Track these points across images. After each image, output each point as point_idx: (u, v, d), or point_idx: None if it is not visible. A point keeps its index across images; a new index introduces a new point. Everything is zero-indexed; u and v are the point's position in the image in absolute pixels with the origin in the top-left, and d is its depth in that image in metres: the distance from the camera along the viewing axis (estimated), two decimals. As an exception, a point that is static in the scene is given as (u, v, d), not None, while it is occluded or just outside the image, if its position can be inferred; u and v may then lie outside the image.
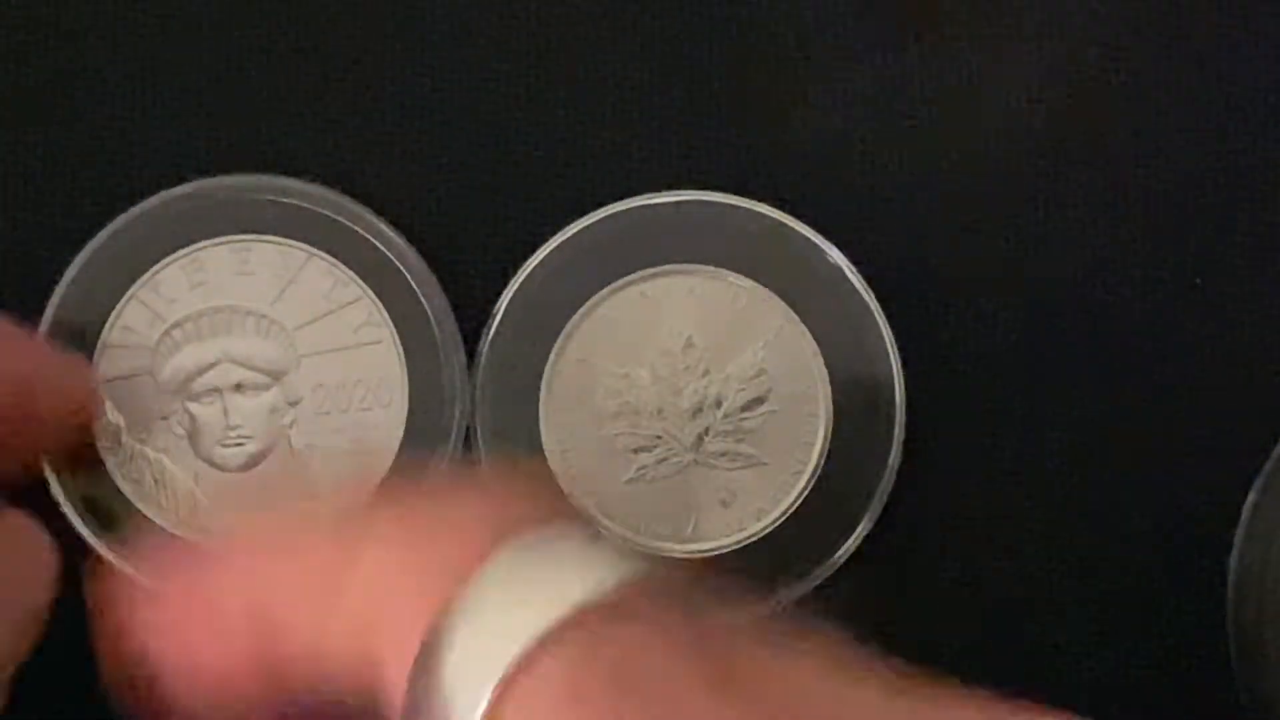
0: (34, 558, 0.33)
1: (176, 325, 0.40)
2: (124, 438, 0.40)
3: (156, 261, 0.40)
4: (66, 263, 0.40)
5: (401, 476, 0.39)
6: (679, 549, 0.40)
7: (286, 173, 0.40)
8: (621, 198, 0.40)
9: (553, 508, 0.30)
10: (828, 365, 0.40)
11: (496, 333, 0.40)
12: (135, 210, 0.40)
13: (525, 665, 0.27)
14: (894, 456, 0.40)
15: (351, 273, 0.40)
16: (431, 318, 0.40)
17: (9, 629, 0.32)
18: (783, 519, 0.40)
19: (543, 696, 0.27)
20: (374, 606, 0.29)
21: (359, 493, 0.34)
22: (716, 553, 0.40)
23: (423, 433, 0.40)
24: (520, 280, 0.40)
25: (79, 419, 0.37)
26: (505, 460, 0.31)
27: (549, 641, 0.27)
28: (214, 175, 0.40)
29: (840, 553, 0.40)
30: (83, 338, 0.40)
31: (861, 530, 0.40)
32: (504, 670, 0.27)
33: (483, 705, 0.27)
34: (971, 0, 0.41)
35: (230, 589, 0.30)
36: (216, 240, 0.40)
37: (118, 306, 0.40)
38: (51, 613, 0.33)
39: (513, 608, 0.28)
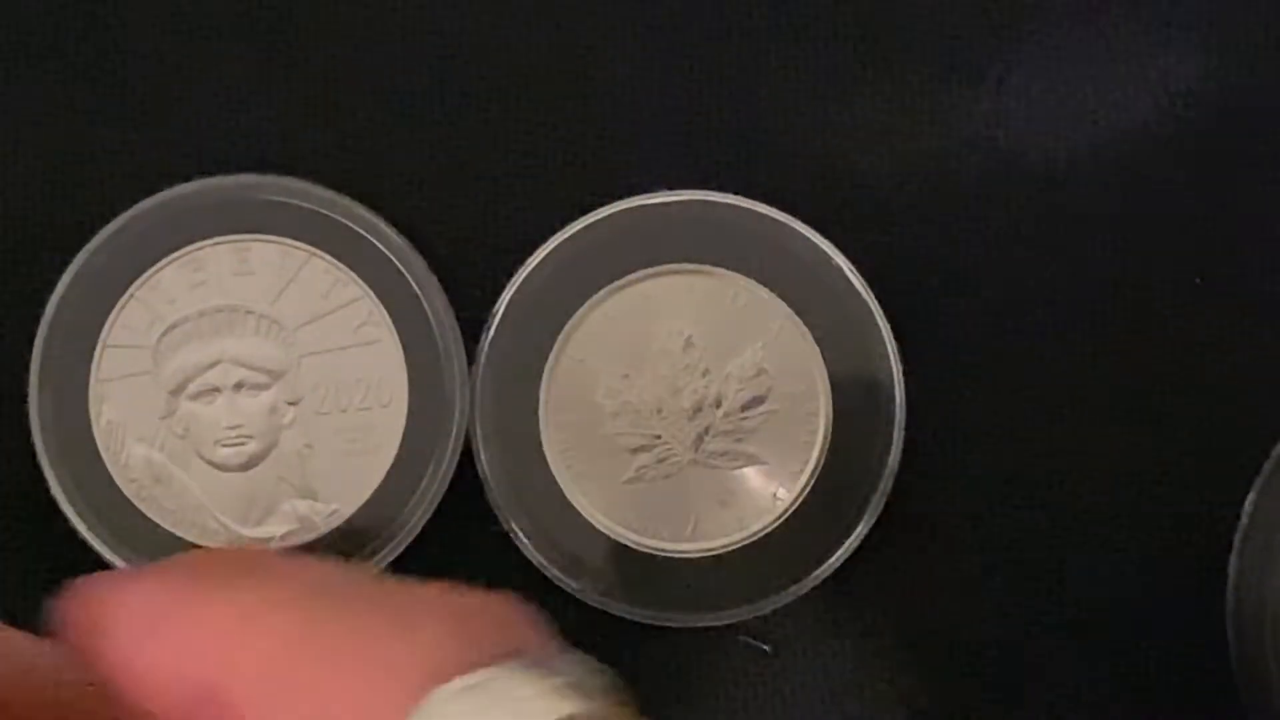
0: None
1: (176, 325, 0.40)
2: (124, 438, 0.40)
3: (156, 261, 0.40)
4: (66, 263, 0.40)
5: (398, 480, 0.39)
6: (679, 549, 0.40)
7: (286, 173, 0.40)
8: (621, 198, 0.40)
9: (504, 641, 0.28)
10: (828, 365, 0.40)
11: (496, 333, 0.40)
12: (135, 210, 0.40)
13: None
14: (894, 456, 0.40)
15: (351, 273, 0.40)
16: (431, 318, 0.40)
17: None
18: (783, 519, 0.40)
19: None
20: (322, 711, 0.27)
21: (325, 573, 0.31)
22: (716, 553, 0.40)
23: (423, 433, 0.40)
24: (520, 280, 0.40)
25: None
26: (463, 587, 0.30)
27: None
28: (214, 175, 0.40)
29: (840, 553, 0.40)
30: (82, 338, 0.40)
31: (861, 530, 0.40)
32: None
33: None
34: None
35: (183, 657, 0.28)
36: (216, 240, 0.40)
37: (118, 306, 0.40)
38: None
39: None
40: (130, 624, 0.28)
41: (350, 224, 0.40)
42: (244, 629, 0.28)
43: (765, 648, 0.40)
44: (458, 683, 0.27)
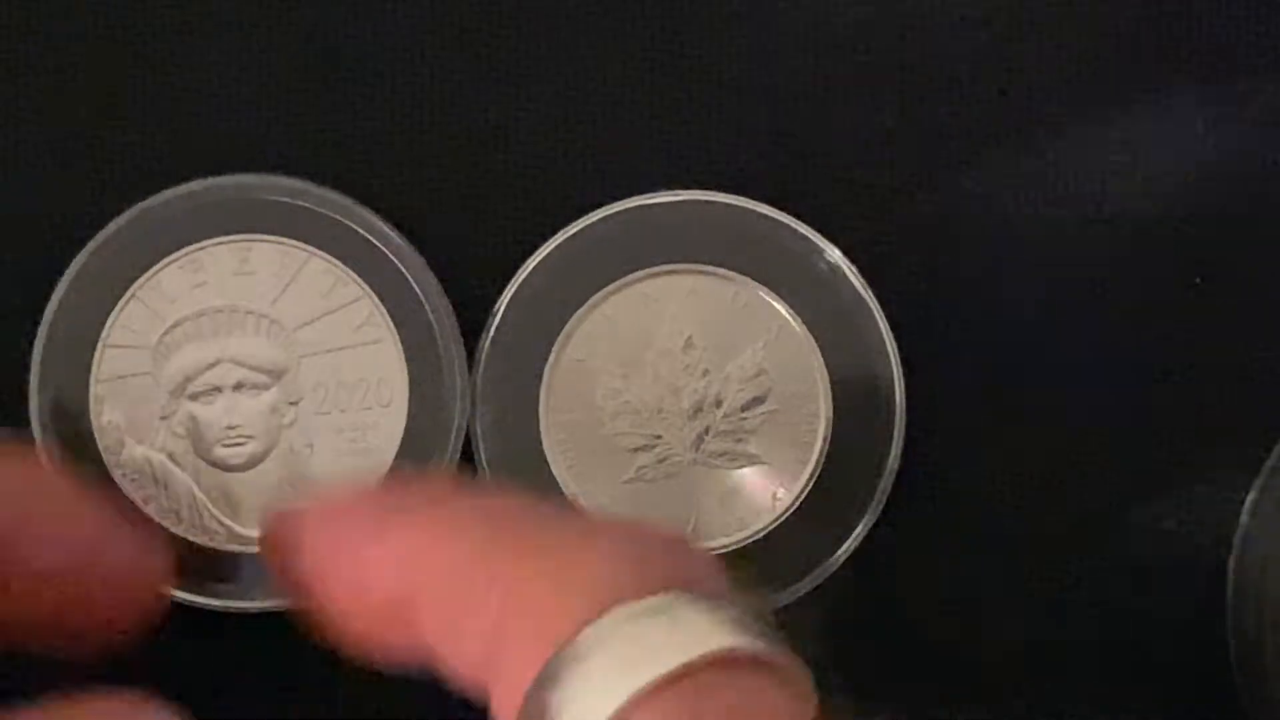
0: None
1: (176, 325, 0.40)
2: (124, 438, 0.40)
3: (156, 261, 0.40)
4: (66, 263, 0.40)
5: (402, 476, 0.39)
6: (679, 549, 0.40)
7: (286, 173, 0.40)
8: (621, 198, 0.40)
9: (679, 571, 0.29)
10: (828, 365, 0.40)
11: (496, 333, 0.40)
12: (135, 210, 0.40)
13: (633, 709, 0.27)
14: (894, 456, 0.40)
15: (351, 273, 0.40)
16: (431, 318, 0.40)
17: None
18: (783, 519, 0.40)
19: None
20: (503, 625, 0.29)
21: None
22: (716, 553, 0.40)
23: (423, 433, 0.40)
24: (520, 280, 0.40)
25: (147, 599, 0.33)
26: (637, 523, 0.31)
27: (663, 686, 0.27)
28: (214, 175, 0.40)
29: (840, 553, 0.40)
30: (83, 338, 0.40)
31: (861, 530, 0.40)
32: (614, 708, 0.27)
33: None
34: None
35: (379, 566, 0.30)
36: (216, 240, 0.40)
37: (118, 306, 0.40)
38: None
39: (628, 659, 0.27)
40: (329, 543, 0.31)
41: (350, 224, 0.40)
42: (433, 545, 0.29)
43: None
44: (636, 604, 0.27)
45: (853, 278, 0.40)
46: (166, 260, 0.40)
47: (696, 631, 0.27)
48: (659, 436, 0.40)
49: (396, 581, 0.30)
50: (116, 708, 0.29)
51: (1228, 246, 0.41)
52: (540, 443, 0.40)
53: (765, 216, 0.40)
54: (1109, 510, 0.40)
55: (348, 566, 0.30)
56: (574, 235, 0.40)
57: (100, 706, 0.29)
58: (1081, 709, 0.40)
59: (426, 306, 0.40)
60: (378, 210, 0.40)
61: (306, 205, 0.40)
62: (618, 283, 0.40)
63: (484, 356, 0.40)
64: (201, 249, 0.40)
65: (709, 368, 0.40)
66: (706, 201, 0.40)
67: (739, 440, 0.40)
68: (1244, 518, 0.40)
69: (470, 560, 0.29)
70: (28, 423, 0.39)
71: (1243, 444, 0.40)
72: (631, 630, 0.27)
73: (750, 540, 0.40)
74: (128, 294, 0.40)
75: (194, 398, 0.40)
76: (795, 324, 0.40)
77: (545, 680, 0.27)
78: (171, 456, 0.40)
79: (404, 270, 0.40)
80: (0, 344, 0.40)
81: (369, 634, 0.31)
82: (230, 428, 0.40)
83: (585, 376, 0.40)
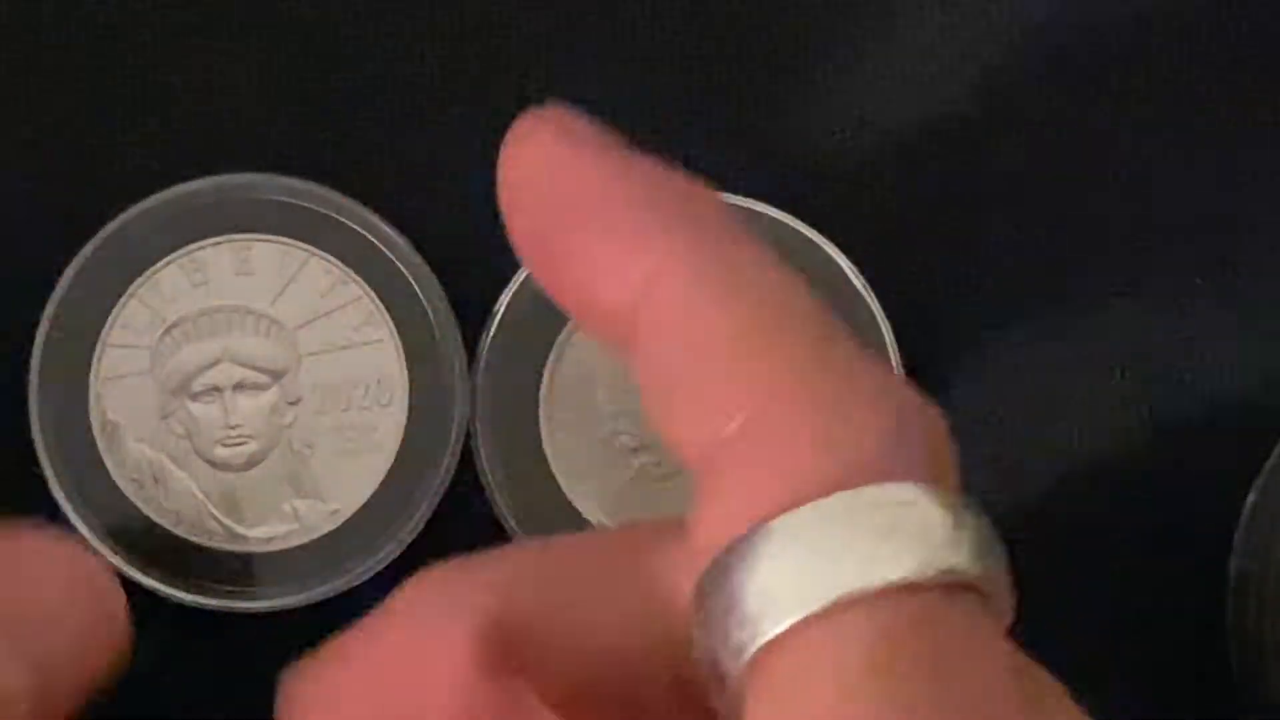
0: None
1: (176, 325, 0.40)
2: (124, 438, 0.40)
3: (156, 261, 0.40)
4: (66, 263, 0.40)
5: (403, 475, 0.39)
6: (679, 549, 0.40)
7: (286, 173, 0.40)
8: (621, 198, 0.40)
9: (934, 464, 0.25)
10: (828, 365, 0.40)
11: (496, 333, 0.40)
12: (135, 210, 0.40)
13: (833, 612, 0.23)
14: (894, 456, 0.40)
15: (351, 273, 0.40)
16: (431, 318, 0.40)
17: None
18: (783, 519, 0.40)
19: (836, 652, 0.23)
20: (735, 445, 0.25)
21: None
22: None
23: (423, 433, 0.40)
24: (520, 280, 0.40)
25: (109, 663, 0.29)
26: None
27: (883, 594, 0.23)
28: (214, 175, 0.40)
29: (840, 553, 0.40)
30: (82, 338, 0.40)
31: (861, 530, 0.40)
32: (807, 610, 0.23)
33: (758, 642, 0.23)
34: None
35: (607, 273, 0.27)
36: (216, 240, 0.40)
37: (118, 306, 0.40)
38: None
39: (854, 551, 0.23)
40: (554, 212, 0.27)
41: (350, 224, 0.40)
42: (683, 292, 0.26)
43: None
44: (891, 487, 0.24)
45: (853, 278, 0.40)
46: (166, 260, 0.40)
47: (932, 542, 0.24)
48: (659, 436, 0.40)
49: (623, 302, 0.26)
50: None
51: (1228, 246, 0.41)
52: (540, 443, 0.40)
53: (766, 217, 0.40)
54: (1109, 510, 0.40)
55: (573, 253, 0.27)
56: (574, 235, 0.40)
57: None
58: (1081, 708, 0.40)
59: (426, 306, 0.40)
60: (378, 210, 0.40)
61: (306, 205, 0.40)
62: (618, 283, 0.40)
63: (484, 356, 0.40)
64: (201, 249, 0.40)
65: (709, 368, 0.40)
66: (706, 201, 0.40)
67: (739, 440, 0.40)
68: (1244, 518, 0.40)
69: (727, 338, 0.25)
70: (28, 423, 0.39)
71: (1243, 444, 0.40)
72: (868, 521, 0.24)
73: (750, 540, 0.40)
74: (128, 294, 0.40)
75: (194, 397, 0.40)
76: (795, 324, 0.40)
77: (756, 539, 0.24)
78: (171, 456, 0.40)
79: (404, 270, 0.40)
80: (0, 344, 0.40)
81: (598, 334, 0.27)
82: (230, 428, 0.40)
83: (585, 377, 0.40)
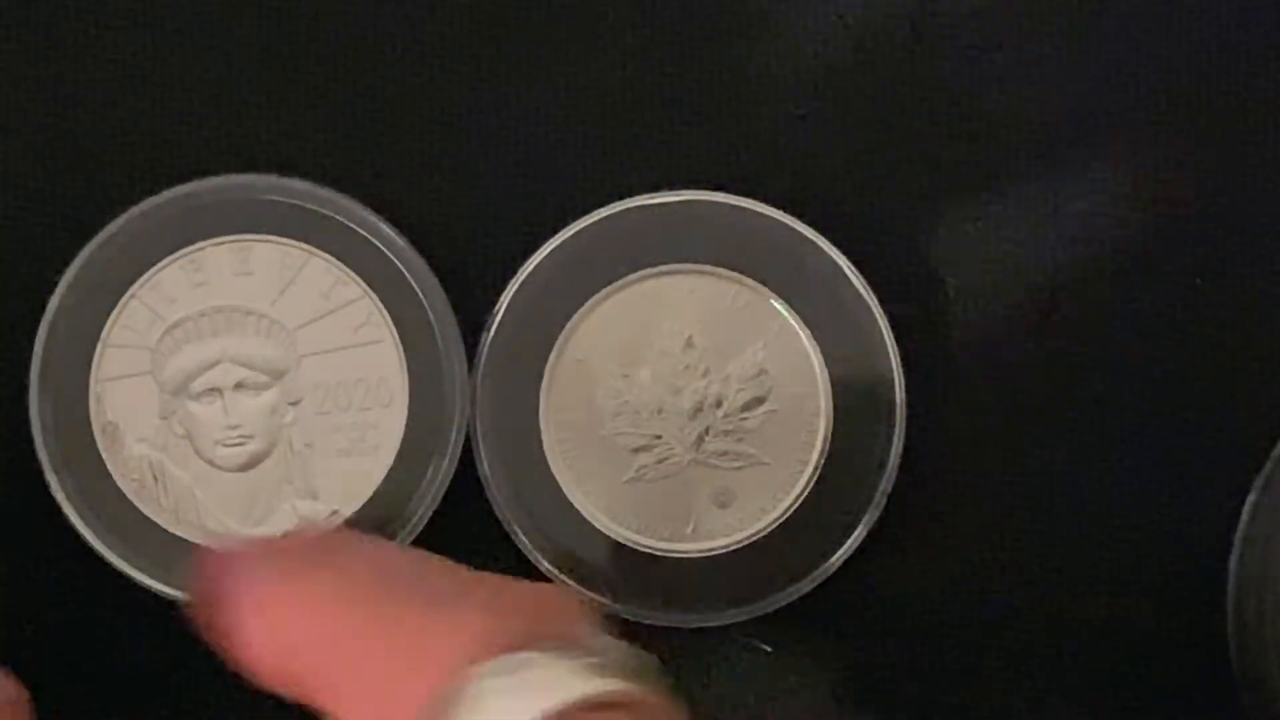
0: None
1: (176, 325, 0.40)
2: (124, 438, 0.40)
3: (156, 261, 0.40)
4: (66, 263, 0.40)
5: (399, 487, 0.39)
6: (679, 549, 0.40)
7: (286, 173, 0.40)
8: (621, 198, 0.40)
9: (546, 628, 0.31)
10: (828, 365, 0.40)
11: (496, 333, 0.40)
12: (135, 210, 0.40)
13: None
14: (894, 456, 0.40)
15: (351, 273, 0.40)
16: (431, 318, 0.40)
17: None
18: (783, 519, 0.40)
19: None
20: (379, 686, 0.31)
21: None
22: (716, 553, 0.40)
23: (423, 433, 0.40)
24: (520, 280, 0.40)
25: None
26: (509, 577, 0.33)
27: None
28: (214, 175, 0.40)
29: (840, 553, 0.40)
30: (82, 338, 0.40)
31: (861, 530, 0.40)
32: None
33: None
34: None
35: (274, 633, 0.32)
36: (216, 240, 0.40)
37: (118, 306, 0.40)
38: None
39: (494, 709, 0.29)
40: (239, 600, 0.33)
41: (350, 224, 0.40)
42: (317, 616, 0.32)
43: (765, 648, 0.40)
44: (491, 663, 0.30)
45: (853, 278, 0.40)
46: (166, 260, 0.40)
47: (553, 680, 0.29)
48: (659, 436, 0.40)
49: (292, 644, 0.32)
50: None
51: (1228, 246, 0.41)
52: (540, 443, 0.40)
53: (765, 216, 0.40)
54: (1109, 509, 0.40)
55: (252, 625, 0.32)
56: (574, 235, 0.40)
57: None
58: (1081, 709, 0.40)
59: (426, 306, 0.40)
60: (378, 210, 0.40)
61: (306, 205, 0.40)
62: (618, 283, 0.40)
63: (484, 356, 0.40)
64: (201, 249, 0.40)
65: (709, 368, 0.40)
66: (707, 201, 0.40)
67: (739, 440, 0.40)
68: (1244, 517, 0.40)
69: (348, 636, 0.32)
70: (28, 423, 0.39)
71: (1243, 444, 0.40)
72: (486, 687, 0.29)
73: (750, 540, 0.40)
74: (128, 294, 0.40)
75: (194, 397, 0.40)
76: (795, 324, 0.40)
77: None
78: (171, 457, 0.40)
79: (404, 270, 0.40)
80: (0, 344, 0.40)
81: (274, 687, 0.33)
82: (230, 428, 0.40)
83: (585, 376, 0.40)
